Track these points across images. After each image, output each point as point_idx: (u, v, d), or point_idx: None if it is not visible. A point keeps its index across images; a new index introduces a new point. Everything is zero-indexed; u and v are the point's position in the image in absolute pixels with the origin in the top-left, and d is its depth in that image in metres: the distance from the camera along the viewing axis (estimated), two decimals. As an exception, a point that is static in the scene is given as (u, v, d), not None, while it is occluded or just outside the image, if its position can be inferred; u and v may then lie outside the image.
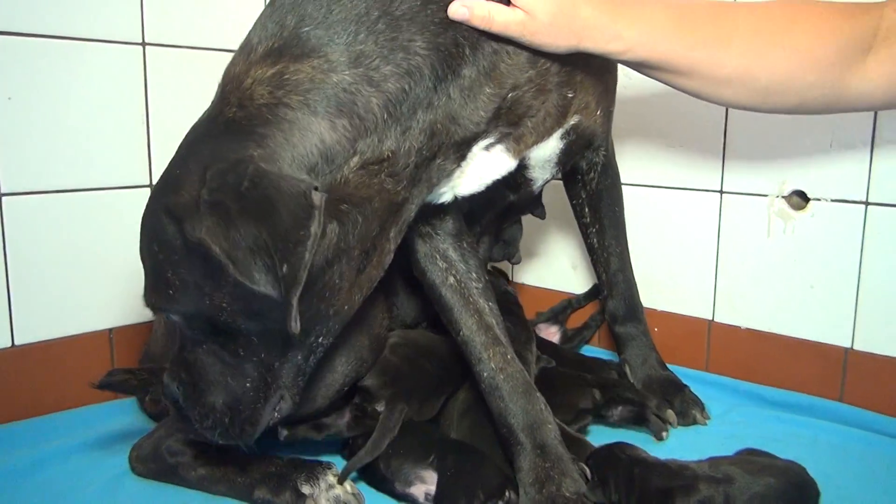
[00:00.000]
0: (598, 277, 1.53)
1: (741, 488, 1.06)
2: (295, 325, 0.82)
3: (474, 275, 1.26)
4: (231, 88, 0.90)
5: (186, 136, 0.92)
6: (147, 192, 1.58)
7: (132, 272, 1.56)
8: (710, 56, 1.13)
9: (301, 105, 0.86)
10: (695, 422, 1.43)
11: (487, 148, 1.09)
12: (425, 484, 1.15)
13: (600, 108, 1.21)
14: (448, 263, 1.23)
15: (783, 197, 1.52)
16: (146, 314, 1.53)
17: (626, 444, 1.17)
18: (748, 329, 1.60)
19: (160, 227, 0.86)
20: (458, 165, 1.07)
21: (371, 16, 0.90)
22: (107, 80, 1.52)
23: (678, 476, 1.08)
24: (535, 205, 1.61)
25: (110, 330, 1.56)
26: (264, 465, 1.19)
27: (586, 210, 1.45)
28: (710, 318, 1.66)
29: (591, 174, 1.39)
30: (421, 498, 1.14)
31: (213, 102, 0.93)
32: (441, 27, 0.95)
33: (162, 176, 0.91)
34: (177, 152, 0.91)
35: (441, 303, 1.23)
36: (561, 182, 1.49)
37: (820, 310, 1.50)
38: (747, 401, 1.55)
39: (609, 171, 1.43)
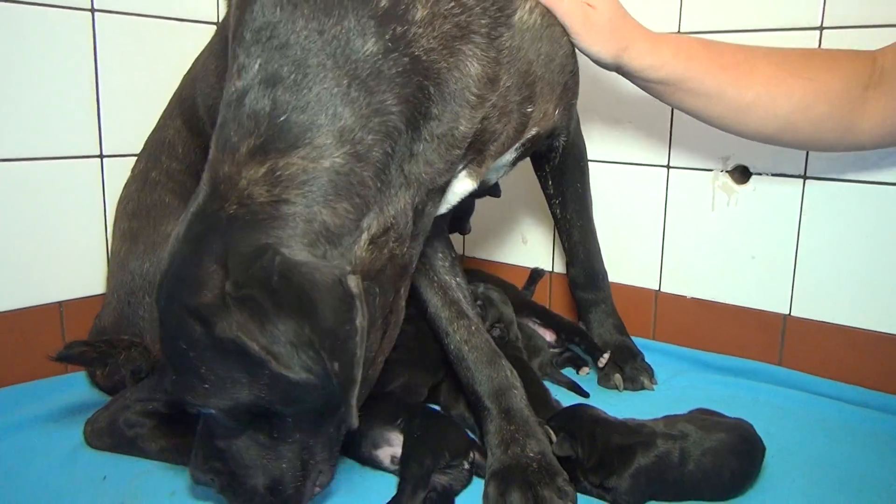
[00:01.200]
0: (563, 246, 1.58)
1: (695, 443, 1.11)
2: (355, 421, 0.81)
3: (440, 254, 1.31)
4: (226, 188, 0.84)
5: (182, 233, 0.86)
6: (97, 163, 1.54)
7: (83, 245, 1.55)
8: (736, 79, 1.22)
9: (300, 198, 0.83)
10: (643, 387, 1.50)
11: (457, 176, 1.09)
12: (392, 447, 1.16)
13: (559, 108, 1.19)
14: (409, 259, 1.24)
15: (727, 171, 1.59)
16: (97, 287, 1.52)
17: (588, 406, 1.22)
18: (693, 298, 1.67)
19: (186, 328, 0.83)
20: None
21: (342, 86, 0.85)
22: (54, 47, 1.47)
23: (637, 433, 1.13)
24: (491, 191, 1.64)
25: (60, 303, 1.52)
26: None
27: (550, 182, 1.49)
28: (657, 288, 1.73)
29: (553, 154, 1.42)
30: (386, 461, 1.16)
31: (202, 198, 0.87)
32: (404, 76, 0.89)
33: (170, 277, 0.86)
34: (178, 250, 0.86)
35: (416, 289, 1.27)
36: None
37: (760, 279, 1.58)
38: (692, 366, 1.62)
39: (573, 150, 1.45)
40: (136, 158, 1.50)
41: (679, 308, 1.69)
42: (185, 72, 1.51)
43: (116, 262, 1.36)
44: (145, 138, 1.51)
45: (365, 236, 0.87)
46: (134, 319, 1.31)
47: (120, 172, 1.53)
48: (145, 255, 1.29)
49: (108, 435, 1.23)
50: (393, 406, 1.20)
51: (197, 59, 1.50)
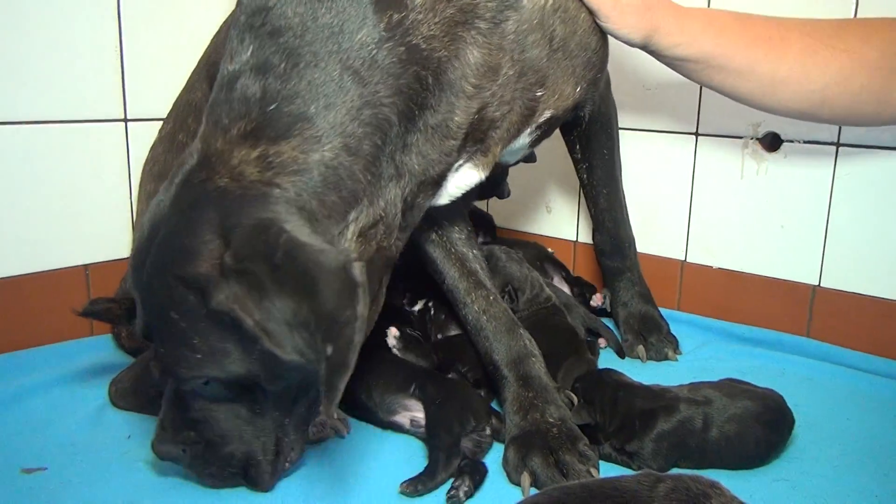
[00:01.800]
0: (589, 212, 1.55)
1: (719, 409, 1.10)
2: (334, 410, 0.78)
3: (457, 227, 1.30)
4: (218, 162, 0.83)
5: (170, 201, 0.85)
6: (121, 127, 1.55)
7: (108, 209, 1.56)
8: (768, 53, 1.17)
9: (290, 186, 0.81)
10: (666, 358, 1.48)
11: (456, 169, 1.06)
12: (410, 412, 1.17)
13: (580, 85, 1.14)
14: (429, 221, 1.24)
15: (757, 139, 1.56)
16: (123, 251, 1.53)
17: (612, 370, 1.21)
18: (720, 268, 1.65)
19: (178, 298, 0.81)
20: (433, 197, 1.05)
21: (333, 76, 0.83)
22: (79, 9, 1.47)
23: (660, 398, 1.12)
24: (526, 159, 1.62)
25: (86, 266, 1.54)
26: None
27: (577, 147, 1.46)
28: (683, 258, 1.70)
29: (580, 122, 1.39)
30: (407, 424, 1.17)
31: (189, 167, 0.86)
32: (400, 66, 0.87)
33: (158, 246, 0.83)
34: (166, 218, 0.84)
35: (425, 257, 1.27)
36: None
37: (789, 249, 1.55)
38: (717, 337, 1.60)
39: (600, 117, 1.42)
40: (162, 120, 1.50)
41: (705, 278, 1.66)
42: (211, 35, 1.50)
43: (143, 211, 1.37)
44: (169, 102, 1.51)
45: (353, 228, 0.86)
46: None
47: (144, 136, 1.54)
48: None
49: (132, 395, 1.25)
50: (403, 373, 1.20)
51: (225, 22, 1.49)
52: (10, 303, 1.43)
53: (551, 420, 1.11)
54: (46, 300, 1.47)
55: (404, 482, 1.01)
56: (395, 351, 1.29)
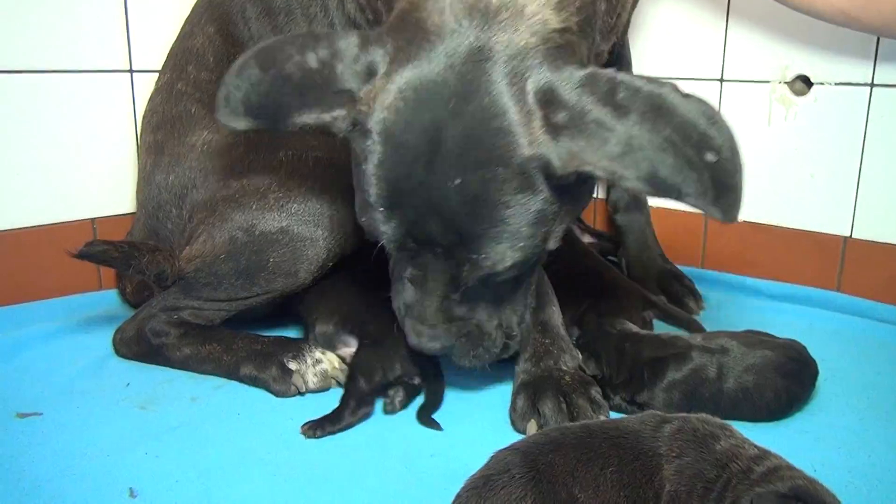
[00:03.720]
0: None
1: (736, 359, 1.04)
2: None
3: None
4: (513, 13, 0.81)
5: (447, 93, 0.79)
6: (126, 78, 1.52)
7: (115, 162, 1.53)
8: None
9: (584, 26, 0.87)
10: (689, 311, 1.42)
11: None
12: (348, 347, 1.15)
13: None
14: None
15: (785, 83, 1.47)
16: (129, 205, 1.51)
17: (617, 320, 1.15)
18: (745, 221, 1.57)
19: (504, 186, 0.80)
20: None
21: None
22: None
23: (670, 346, 1.07)
24: None
25: (93, 220, 1.52)
26: (250, 344, 1.17)
27: None
28: None
29: None
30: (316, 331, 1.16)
31: (461, 37, 0.80)
32: None
33: (462, 139, 0.79)
34: (456, 111, 0.79)
35: None
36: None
37: (819, 199, 1.47)
38: (743, 293, 1.53)
39: (620, 60, 1.37)
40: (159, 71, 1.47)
41: (730, 232, 1.59)
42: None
43: (143, 177, 1.34)
44: (171, 51, 1.48)
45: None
46: (163, 233, 1.29)
47: (150, 88, 1.50)
48: (170, 167, 1.27)
49: (135, 343, 1.23)
50: (349, 306, 1.15)
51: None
52: (16, 256, 1.42)
53: (565, 368, 1.07)
54: (53, 254, 1.45)
55: (305, 423, 1.00)
56: None
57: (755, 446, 0.77)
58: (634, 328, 1.13)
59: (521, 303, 1.02)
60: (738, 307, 1.47)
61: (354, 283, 1.22)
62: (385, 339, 1.08)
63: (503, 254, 0.85)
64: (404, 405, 1.07)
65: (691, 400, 1.03)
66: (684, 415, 0.81)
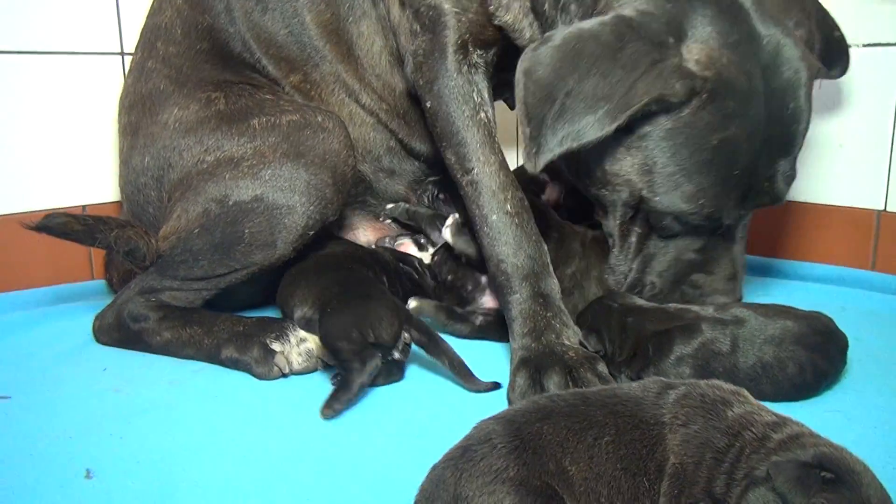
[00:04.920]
0: None
1: (753, 330, 0.94)
2: None
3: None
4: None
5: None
6: (118, 61, 1.48)
7: (105, 148, 1.48)
8: None
9: None
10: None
11: None
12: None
13: None
14: (482, 99, 1.11)
15: (809, 47, 1.37)
16: (118, 192, 1.45)
17: (617, 293, 1.06)
18: (769, 198, 1.46)
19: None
20: None
21: None
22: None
23: (676, 317, 0.98)
24: None
25: (84, 206, 1.48)
26: (231, 325, 1.11)
27: None
28: None
29: None
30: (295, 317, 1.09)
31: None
32: None
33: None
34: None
35: (459, 137, 1.09)
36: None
37: (850, 171, 1.36)
38: (770, 275, 1.43)
39: None
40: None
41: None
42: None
43: (121, 160, 1.29)
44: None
45: None
46: (145, 218, 1.23)
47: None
48: (145, 149, 1.21)
49: (115, 329, 1.17)
50: (326, 290, 1.07)
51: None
52: (3, 243, 1.37)
53: (568, 343, 0.98)
54: (43, 242, 1.40)
55: (323, 405, 0.92)
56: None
57: (772, 413, 0.67)
58: (638, 301, 1.04)
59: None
60: (765, 290, 1.36)
61: (325, 265, 1.15)
62: (347, 306, 1.01)
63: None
64: (384, 383, 1.00)
65: (703, 376, 0.92)
66: (692, 381, 0.71)
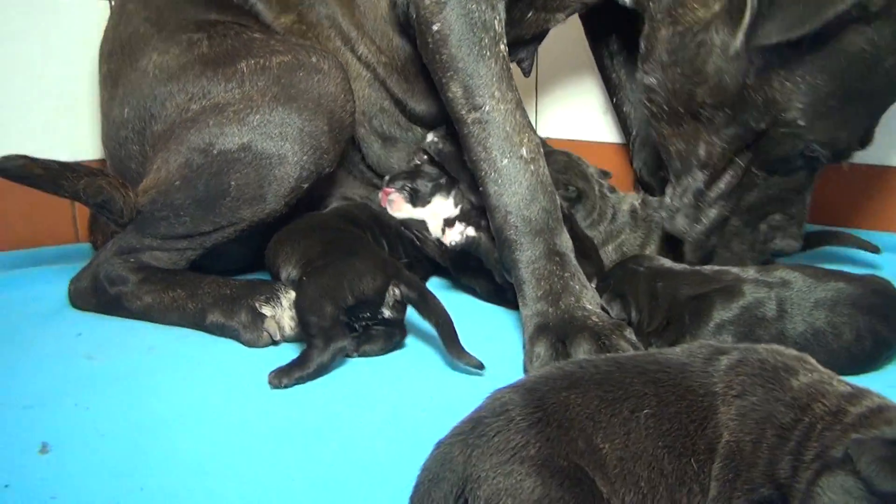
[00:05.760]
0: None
1: (801, 292, 0.85)
2: None
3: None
4: None
5: None
6: (105, 5, 1.36)
7: (93, 104, 1.37)
8: None
9: None
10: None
11: None
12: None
13: None
14: (503, 31, 1.00)
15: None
16: (100, 150, 1.34)
17: (643, 256, 0.95)
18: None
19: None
20: None
21: None
22: None
23: (714, 280, 0.88)
24: None
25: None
26: (218, 288, 1.01)
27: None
28: None
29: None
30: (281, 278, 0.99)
31: None
32: None
33: None
34: None
35: (471, 67, 0.97)
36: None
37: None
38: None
39: None
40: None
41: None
42: None
43: (103, 113, 1.18)
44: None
45: None
46: (129, 175, 1.12)
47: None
48: (125, 99, 1.10)
49: (91, 293, 1.07)
50: (315, 249, 0.97)
51: None
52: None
53: (590, 307, 0.88)
54: (26, 201, 1.30)
55: (272, 372, 0.83)
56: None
57: (846, 383, 0.56)
58: (667, 263, 0.93)
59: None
60: (831, 263, 1.24)
61: (317, 224, 1.05)
62: (324, 270, 0.90)
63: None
64: (383, 349, 0.91)
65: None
66: (747, 345, 0.61)
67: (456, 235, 1.10)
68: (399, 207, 1.16)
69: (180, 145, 1.01)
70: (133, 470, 0.67)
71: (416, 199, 1.17)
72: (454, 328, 0.87)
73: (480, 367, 0.84)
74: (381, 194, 1.17)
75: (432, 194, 1.16)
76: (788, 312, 0.83)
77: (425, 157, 1.17)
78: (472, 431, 0.54)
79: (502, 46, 0.98)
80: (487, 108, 0.95)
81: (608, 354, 0.66)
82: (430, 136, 1.14)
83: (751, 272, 0.88)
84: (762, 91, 0.90)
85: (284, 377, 0.82)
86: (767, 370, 0.56)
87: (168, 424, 0.75)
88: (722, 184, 0.98)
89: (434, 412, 0.77)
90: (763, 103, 0.90)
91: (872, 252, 1.17)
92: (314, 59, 1.02)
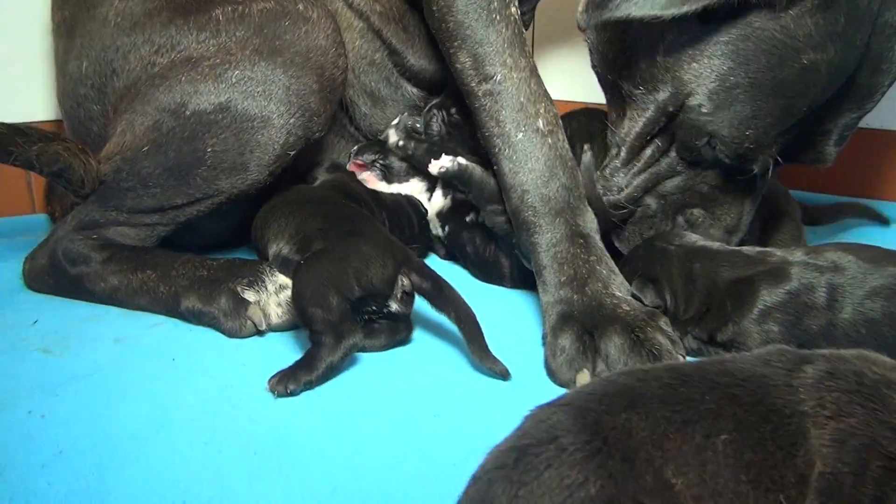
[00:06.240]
0: None
1: (855, 279, 0.76)
2: None
3: None
4: None
5: None
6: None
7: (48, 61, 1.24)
8: None
9: None
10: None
11: None
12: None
13: None
14: None
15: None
16: (56, 110, 1.21)
17: (671, 233, 0.86)
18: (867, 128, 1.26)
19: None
20: None
21: None
22: None
23: (759, 262, 0.80)
24: None
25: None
26: (194, 269, 0.90)
27: None
28: None
29: None
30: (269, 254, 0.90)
31: None
32: None
33: None
34: None
35: (480, 34, 0.89)
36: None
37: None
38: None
39: None
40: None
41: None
42: None
43: (57, 67, 1.06)
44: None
45: None
46: (90, 138, 1.00)
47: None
48: (83, 51, 0.98)
49: (49, 274, 0.96)
50: (309, 223, 0.87)
51: None
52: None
53: (619, 294, 0.79)
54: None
55: (273, 377, 0.72)
56: None
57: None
58: (699, 239, 0.84)
59: None
60: (845, 232, 1.18)
61: (309, 197, 0.94)
62: (327, 254, 0.79)
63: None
64: (385, 345, 0.81)
65: (794, 335, 0.75)
66: (832, 351, 0.51)
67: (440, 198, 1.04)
68: (374, 185, 1.07)
69: (147, 105, 0.89)
70: (99, 496, 0.56)
71: (391, 176, 1.08)
72: (479, 326, 0.76)
73: (506, 374, 0.74)
74: (350, 165, 1.08)
75: (408, 173, 1.08)
76: (840, 301, 0.75)
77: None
78: (517, 465, 0.44)
79: (513, 9, 0.89)
80: (499, 77, 0.87)
81: (669, 363, 0.57)
82: (393, 138, 1.05)
83: (798, 254, 0.80)
84: (672, 70, 0.82)
85: (290, 382, 0.70)
86: (866, 385, 0.47)
87: (141, 437, 0.64)
88: (637, 163, 0.89)
89: (448, 417, 0.68)
90: (672, 83, 0.82)
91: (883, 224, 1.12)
92: (300, 7, 0.91)
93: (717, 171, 0.88)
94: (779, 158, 0.84)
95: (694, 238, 0.85)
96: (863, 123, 0.89)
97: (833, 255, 0.79)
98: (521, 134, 0.87)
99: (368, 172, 1.07)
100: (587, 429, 0.46)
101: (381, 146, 1.08)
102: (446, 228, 1.04)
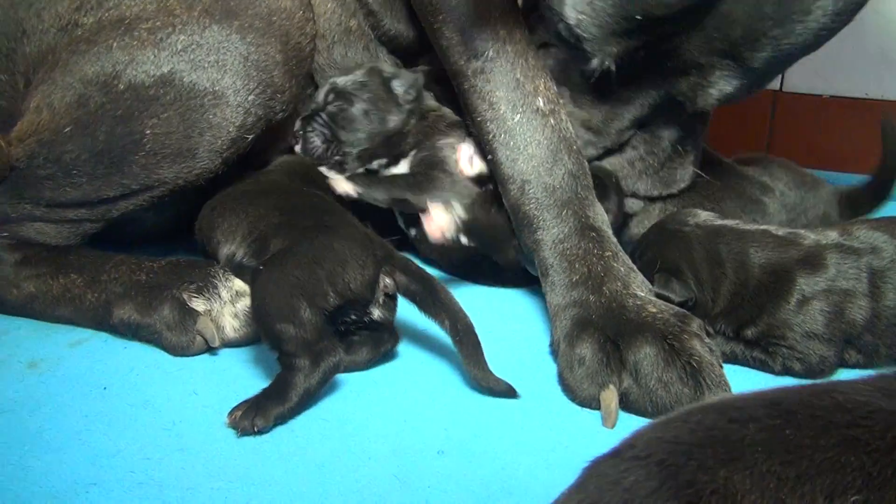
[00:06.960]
0: None
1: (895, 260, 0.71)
2: None
3: None
4: None
5: None
6: None
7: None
8: None
9: None
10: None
11: None
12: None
13: None
14: None
15: None
16: None
17: (684, 211, 0.79)
18: (832, 97, 1.22)
19: None
20: None
21: None
22: None
23: (792, 244, 0.72)
24: None
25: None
26: (129, 272, 0.78)
27: None
28: (777, 87, 1.27)
29: None
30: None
31: None
32: None
33: None
34: None
35: (468, 5, 0.81)
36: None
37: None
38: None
39: None
40: None
41: (811, 111, 1.24)
42: None
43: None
44: None
45: None
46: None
47: None
48: None
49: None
50: (252, 217, 0.74)
51: None
52: None
53: (642, 294, 0.70)
54: None
55: (233, 411, 0.60)
56: None
57: None
58: (716, 218, 0.76)
59: None
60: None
61: (267, 188, 0.82)
62: (294, 255, 0.67)
63: None
64: (369, 360, 0.69)
65: (838, 328, 0.69)
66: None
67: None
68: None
69: (69, 76, 0.77)
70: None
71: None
72: (477, 338, 0.65)
73: (512, 393, 0.64)
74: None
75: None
76: (882, 287, 0.70)
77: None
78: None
79: None
80: (490, 52, 0.79)
81: (757, 393, 0.44)
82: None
83: (832, 235, 0.73)
84: None
85: (258, 417, 0.58)
86: None
87: (63, 500, 0.51)
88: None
89: (453, 455, 0.56)
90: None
91: None
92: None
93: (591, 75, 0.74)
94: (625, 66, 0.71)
95: (707, 215, 0.77)
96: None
97: (866, 233, 0.73)
98: (519, 115, 0.78)
99: (330, 171, 0.92)
100: (674, 491, 0.34)
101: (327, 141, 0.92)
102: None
